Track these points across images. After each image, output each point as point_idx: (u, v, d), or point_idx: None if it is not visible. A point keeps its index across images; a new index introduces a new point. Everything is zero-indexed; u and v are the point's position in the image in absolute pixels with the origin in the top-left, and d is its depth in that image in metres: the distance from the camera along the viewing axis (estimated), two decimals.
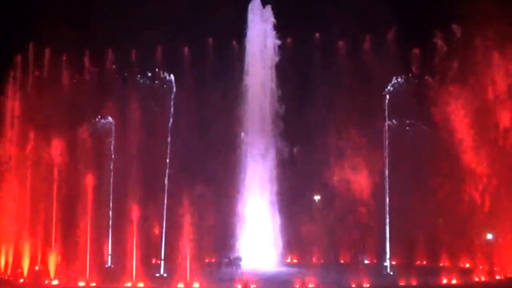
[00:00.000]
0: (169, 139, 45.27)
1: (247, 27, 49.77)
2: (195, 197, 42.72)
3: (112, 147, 46.99)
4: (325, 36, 49.66)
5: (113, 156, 46.96)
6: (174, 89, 46.42)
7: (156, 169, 45.57)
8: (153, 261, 45.52)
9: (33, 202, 45.03)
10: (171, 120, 45.57)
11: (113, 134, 46.92)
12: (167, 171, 44.77)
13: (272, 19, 49.78)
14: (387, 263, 44.98)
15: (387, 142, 45.57)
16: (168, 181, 44.73)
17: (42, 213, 44.34)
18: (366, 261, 48.57)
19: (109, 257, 46.72)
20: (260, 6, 50.22)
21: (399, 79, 46.50)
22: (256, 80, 49.34)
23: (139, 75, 49.01)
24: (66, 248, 42.99)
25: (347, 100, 47.03)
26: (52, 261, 41.09)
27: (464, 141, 42.46)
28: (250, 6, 50.19)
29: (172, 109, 45.69)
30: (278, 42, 49.34)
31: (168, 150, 45.19)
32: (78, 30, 48.78)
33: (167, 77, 47.00)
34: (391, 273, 43.56)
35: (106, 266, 46.05)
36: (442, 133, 43.50)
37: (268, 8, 50.02)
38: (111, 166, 46.83)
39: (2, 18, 51.41)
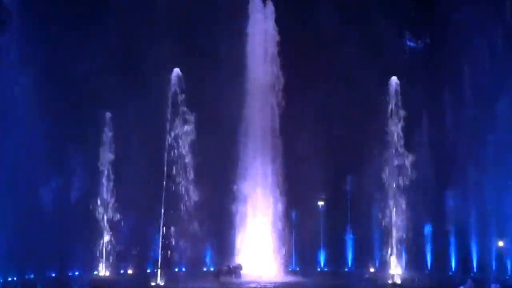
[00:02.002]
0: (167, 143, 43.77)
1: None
2: (194, 203, 41.69)
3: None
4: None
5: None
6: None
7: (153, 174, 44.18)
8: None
9: None
10: (169, 124, 44.04)
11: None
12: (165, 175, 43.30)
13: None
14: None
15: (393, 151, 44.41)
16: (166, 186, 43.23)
17: None
18: (371, 270, 47.27)
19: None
20: (261, 3, 48.90)
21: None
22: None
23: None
24: None
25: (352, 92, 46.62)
26: None
27: None
28: (251, 3, 48.78)
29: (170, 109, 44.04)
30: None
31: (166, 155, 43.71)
32: None
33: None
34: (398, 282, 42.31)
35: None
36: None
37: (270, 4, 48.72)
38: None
39: None
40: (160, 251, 42.13)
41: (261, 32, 48.65)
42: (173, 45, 46.04)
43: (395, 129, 44.26)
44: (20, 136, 41.81)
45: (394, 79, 44.38)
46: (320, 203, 52.01)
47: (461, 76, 46.79)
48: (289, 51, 48.30)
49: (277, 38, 48.33)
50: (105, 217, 46.05)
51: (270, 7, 48.91)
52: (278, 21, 48.47)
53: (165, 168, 42.31)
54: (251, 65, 48.05)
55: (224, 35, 46.61)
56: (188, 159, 43.23)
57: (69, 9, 45.55)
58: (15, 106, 41.29)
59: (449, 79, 47.62)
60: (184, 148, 42.98)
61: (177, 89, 42.50)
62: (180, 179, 42.96)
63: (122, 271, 46.43)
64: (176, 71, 42.97)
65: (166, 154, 42.58)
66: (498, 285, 36.14)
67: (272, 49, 48.41)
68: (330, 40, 47.74)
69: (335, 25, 46.97)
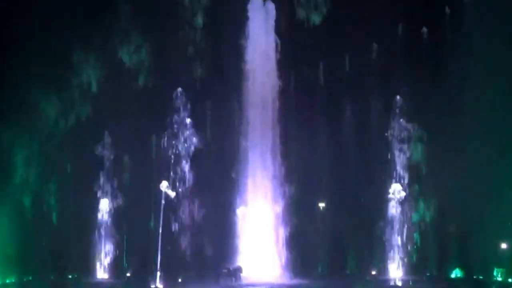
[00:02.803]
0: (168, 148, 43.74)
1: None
2: (194, 206, 41.53)
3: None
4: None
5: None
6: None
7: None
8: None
9: None
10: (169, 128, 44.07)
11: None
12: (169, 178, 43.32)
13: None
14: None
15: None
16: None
17: None
18: (373, 272, 47.00)
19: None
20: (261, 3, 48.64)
21: None
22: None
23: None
24: None
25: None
26: None
27: None
28: (250, 5, 48.46)
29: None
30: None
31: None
32: None
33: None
34: (399, 284, 42.10)
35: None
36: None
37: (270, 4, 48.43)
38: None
39: None
40: (159, 253, 42.09)
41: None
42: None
43: (397, 130, 44.32)
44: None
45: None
46: (321, 204, 51.81)
47: None
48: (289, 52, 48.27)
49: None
50: (105, 219, 45.91)
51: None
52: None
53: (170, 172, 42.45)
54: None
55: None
56: (188, 164, 43.38)
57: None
58: None
59: None
60: (186, 152, 43.10)
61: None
62: (180, 182, 43.04)
63: (121, 274, 46.30)
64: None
65: (170, 157, 42.71)
66: None
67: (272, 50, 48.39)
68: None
69: None
